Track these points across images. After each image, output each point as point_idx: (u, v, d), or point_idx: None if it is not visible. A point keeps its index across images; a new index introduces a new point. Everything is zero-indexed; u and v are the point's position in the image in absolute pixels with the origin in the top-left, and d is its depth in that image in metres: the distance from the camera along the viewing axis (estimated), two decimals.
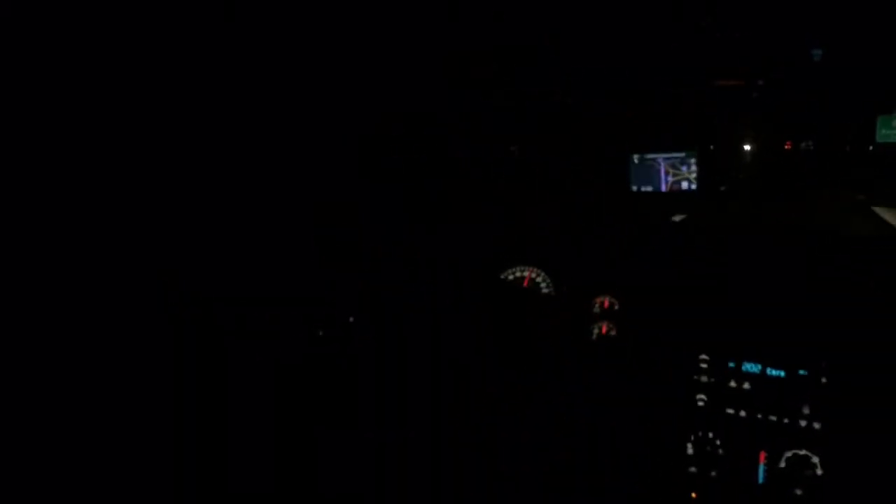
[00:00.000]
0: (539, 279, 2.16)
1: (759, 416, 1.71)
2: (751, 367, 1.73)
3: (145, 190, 1.71)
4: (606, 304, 2.07)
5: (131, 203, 1.68)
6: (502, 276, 2.18)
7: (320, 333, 1.96)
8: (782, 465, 1.68)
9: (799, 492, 1.65)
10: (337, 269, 2.03)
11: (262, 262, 1.91)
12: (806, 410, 1.66)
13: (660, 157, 2.18)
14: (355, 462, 1.86)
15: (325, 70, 2.00)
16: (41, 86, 1.54)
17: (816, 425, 1.65)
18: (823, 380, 1.65)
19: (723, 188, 2.21)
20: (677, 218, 2.15)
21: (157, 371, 1.69)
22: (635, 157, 2.19)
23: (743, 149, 2.68)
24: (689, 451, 1.79)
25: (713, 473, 1.75)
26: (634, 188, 2.19)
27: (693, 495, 1.77)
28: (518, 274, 2.18)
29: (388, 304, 1.99)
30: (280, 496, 1.82)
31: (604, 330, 2.05)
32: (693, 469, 1.78)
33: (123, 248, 1.67)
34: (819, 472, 1.64)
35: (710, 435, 1.76)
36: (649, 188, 2.19)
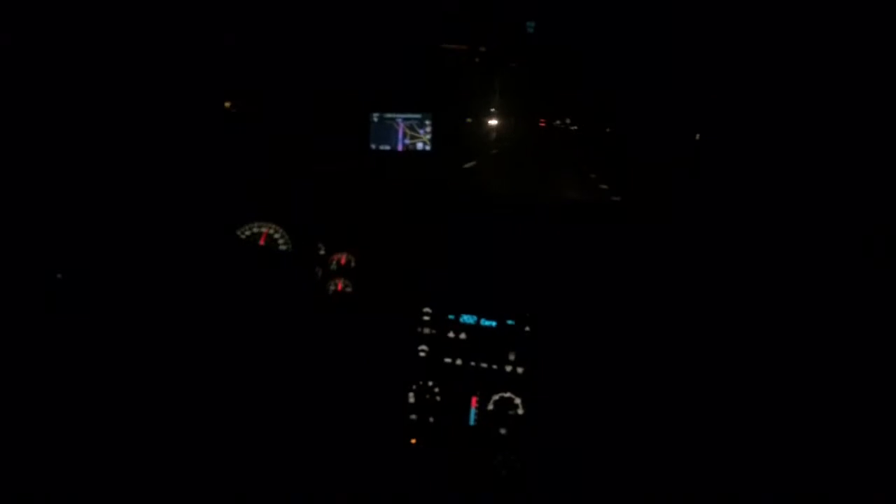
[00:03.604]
0: (277, 236, 2.08)
1: (473, 363, 1.84)
2: (468, 318, 1.85)
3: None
4: (343, 260, 2.06)
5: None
6: (238, 234, 2.06)
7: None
8: (490, 407, 1.82)
9: (503, 431, 1.81)
10: None
11: None
12: (512, 357, 1.82)
13: (399, 117, 2.22)
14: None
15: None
16: None
17: (520, 370, 1.82)
18: (527, 328, 1.81)
19: (467, 166, 2.30)
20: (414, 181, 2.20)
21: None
22: (375, 116, 2.21)
23: (489, 123, 2.82)
24: (411, 399, 1.86)
25: (431, 419, 1.85)
26: (373, 146, 2.22)
27: (412, 441, 1.85)
28: (255, 230, 2.08)
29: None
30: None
31: (339, 286, 2.05)
32: (413, 416, 1.86)
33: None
34: (521, 411, 1.81)
35: (430, 383, 1.85)
36: (387, 147, 2.23)
